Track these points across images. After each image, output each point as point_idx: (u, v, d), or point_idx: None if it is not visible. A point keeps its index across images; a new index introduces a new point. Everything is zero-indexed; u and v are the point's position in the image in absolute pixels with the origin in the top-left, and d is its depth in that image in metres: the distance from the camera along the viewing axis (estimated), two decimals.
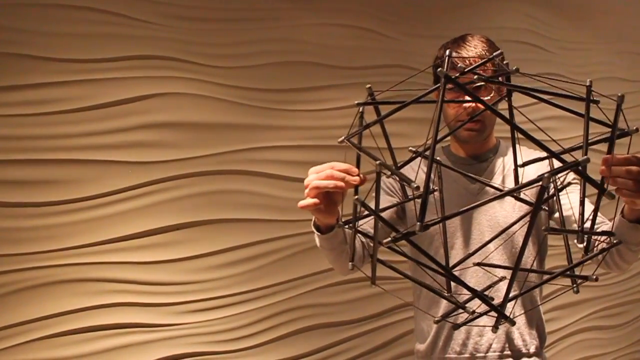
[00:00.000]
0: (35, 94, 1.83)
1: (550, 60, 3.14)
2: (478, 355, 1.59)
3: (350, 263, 0.95)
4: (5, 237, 1.78)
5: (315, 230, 1.36)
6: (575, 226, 1.46)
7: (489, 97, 1.52)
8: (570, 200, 1.48)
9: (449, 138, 1.68)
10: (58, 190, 1.86)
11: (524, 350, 1.60)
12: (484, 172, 1.63)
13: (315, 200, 1.17)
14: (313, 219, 1.35)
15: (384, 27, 2.55)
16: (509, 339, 1.60)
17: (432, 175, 0.76)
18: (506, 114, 0.96)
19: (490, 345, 1.59)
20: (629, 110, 3.52)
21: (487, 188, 1.59)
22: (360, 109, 0.97)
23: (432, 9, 2.70)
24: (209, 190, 2.13)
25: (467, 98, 1.52)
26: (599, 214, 1.49)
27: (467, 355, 1.60)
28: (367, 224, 1.51)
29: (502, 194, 0.75)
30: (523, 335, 1.61)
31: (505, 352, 1.59)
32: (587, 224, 1.43)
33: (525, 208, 1.56)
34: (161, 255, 2.04)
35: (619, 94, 0.86)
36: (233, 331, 2.17)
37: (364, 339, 2.48)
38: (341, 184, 1.13)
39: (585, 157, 0.74)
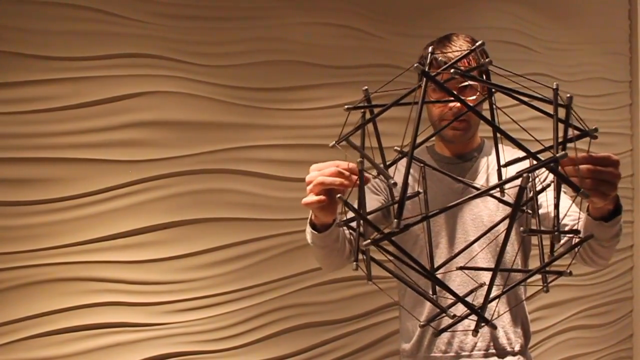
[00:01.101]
0: (22, 91, 1.82)
1: (537, 60, 3.16)
2: (463, 354, 1.60)
3: (354, 263, 0.95)
4: None
5: (310, 228, 1.36)
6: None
7: (474, 97, 1.53)
8: (547, 198, 1.49)
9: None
10: (43, 189, 1.85)
11: (508, 349, 1.61)
12: (469, 171, 1.63)
13: (321, 197, 1.17)
14: (310, 216, 1.34)
15: (373, 27, 2.55)
16: (493, 337, 1.60)
17: (416, 175, 0.76)
18: (489, 113, 0.96)
19: (475, 344, 1.60)
20: (615, 110, 3.55)
21: (471, 188, 1.59)
22: (361, 112, 0.96)
23: (420, 8, 2.71)
24: (196, 189, 2.13)
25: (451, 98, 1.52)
26: (579, 210, 1.49)
27: (452, 354, 1.61)
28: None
29: (478, 193, 0.75)
30: (508, 334, 1.62)
31: (490, 351, 1.60)
32: (566, 220, 1.44)
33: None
34: (148, 254, 2.03)
35: (568, 95, 0.87)
36: (220, 331, 2.17)
37: (350, 338, 2.48)
38: (347, 182, 1.13)
39: (563, 152, 0.74)
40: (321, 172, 1.16)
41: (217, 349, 2.16)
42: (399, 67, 2.56)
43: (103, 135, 1.95)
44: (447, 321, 0.93)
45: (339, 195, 0.88)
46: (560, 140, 0.84)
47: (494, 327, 0.82)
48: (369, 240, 0.75)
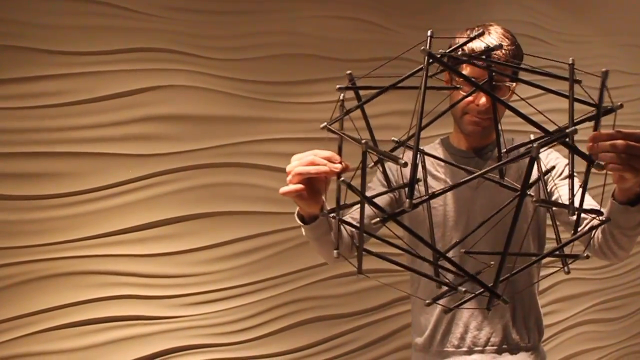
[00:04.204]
0: (36, 86, 1.83)
1: (551, 52, 3.13)
2: (476, 349, 1.59)
3: (335, 251, 0.93)
4: (7, 230, 1.79)
5: (298, 221, 1.35)
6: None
7: (505, 97, 1.51)
8: (561, 192, 1.48)
9: (450, 129, 1.67)
10: (59, 183, 1.86)
11: (521, 344, 1.60)
12: (484, 165, 1.62)
13: (298, 186, 1.16)
14: (297, 209, 1.34)
15: (384, 20, 2.54)
16: (506, 332, 1.60)
17: (418, 163, 0.74)
18: (514, 105, 0.95)
19: (489, 339, 1.59)
20: (631, 102, 3.52)
21: (487, 182, 1.58)
22: (342, 95, 0.95)
23: (432, 1, 2.69)
24: (209, 183, 2.13)
25: (470, 90, 1.51)
26: (593, 200, 1.47)
27: (465, 348, 1.60)
28: (355, 213, 1.49)
29: (479, 174, 0.73)
30: (520, 329, 1.61)
31: (503, 346, 1.59)
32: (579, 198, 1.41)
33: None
34: (163, 247, 2.04)
35: (603, 70, 0.85)
36: (234, 323, 2.18)
37: (364, 331, 2.49)
38: (324, 169, 1.12)
39: (573, 128, 0.73)
40: (300, 161, 1.16)
41: (230, 341, 2.17)
42: (412, 60, 2.55)
43: (116, 130, 1.96)
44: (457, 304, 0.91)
45: (342, 178, 0.86)
46: (583, 117, 0.83)
47: (506, 302, 0.81)
48: (377, 220, 0.74)
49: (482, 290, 0.78)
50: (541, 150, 0.71)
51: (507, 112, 1.64)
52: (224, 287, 2.16)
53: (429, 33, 0.83)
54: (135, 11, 1.99)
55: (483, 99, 1.49)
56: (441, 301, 1.58)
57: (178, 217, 2.08)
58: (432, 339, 1.64)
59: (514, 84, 1.53)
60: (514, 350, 1.60)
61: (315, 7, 2.36)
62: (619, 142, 1.01)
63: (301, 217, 1.35)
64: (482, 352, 1.59)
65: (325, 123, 0.95)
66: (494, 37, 1.51)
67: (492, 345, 1.59)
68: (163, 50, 2.04)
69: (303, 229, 1.36)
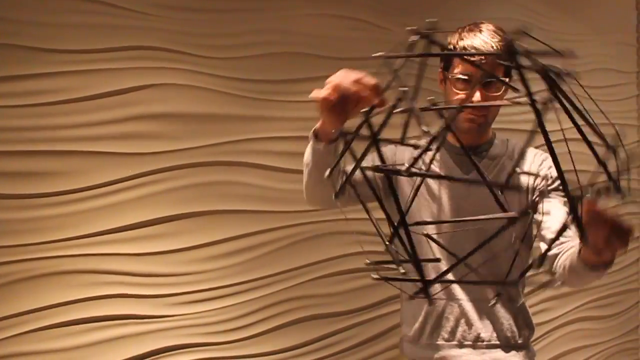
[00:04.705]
0: (29, 84, 1.82)
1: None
2: (466, 343, 1.61)
3: (328, 169, 0.89)
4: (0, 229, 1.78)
5: (311, 136, 1.33)
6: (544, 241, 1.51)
7: (498, 94, 1.52)
8: (545, 211, 1.49)
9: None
10: (52, 182, 1.86)
11: (512, 342, 1.62)
12: (479, 164, 1.62)
13: (329, 93, 1.13)
14: (314, 128, 1.32)
15: (379, 18, 2.55)
16: (497, 329, 1.61)
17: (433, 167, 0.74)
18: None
19: (479, 334, 1.60)
20: (622, 101, 3.54)
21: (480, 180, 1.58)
22: (416, 38, 0.86)
23: (427, 0, 2.70)
24: (203, 182, 2.13)
25: (464, 85, 1.51)
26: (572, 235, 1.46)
27: (455, 342, 1.61)
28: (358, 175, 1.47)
29: (463, 178, 0.74)
30: (511, 327, 1.62)
31: (493, 342, 1.61)
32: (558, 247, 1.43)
33: (516, 207, 1.54)
34: (156, 246, 2.04)
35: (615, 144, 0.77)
36: (228, 322, 2.18)
37: (358, 329, 2.49)
38: (364, 92, 1.09)
39: (589, 195, 0.71)
40: (344, 76, 1.13)
41: (223, 340, 2.17)
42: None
43: (110, 128, 1.95)
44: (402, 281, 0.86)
45: (364, 109, 0.82)
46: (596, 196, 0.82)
47: (430, 303, 0.81)
48: (369, 168, 0.73)
49: (417, 279, 0.76)
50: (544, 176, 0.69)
51: (499, 110, 1.66)
52: (217, 286, 2.16)
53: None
54: (130, 9, 1.98)
55: (477, 96, 1.50)
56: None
57: (172, 216, 2.07)
58: (421, 331, 1.65)
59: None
60: (504, 348, 1.61)
61: (311, 5, 2.37)
62: (610, 226, 1.03)
63: (315, 137, 1.33)
64: (472, 346, 1.61)
65: (383, 53, 0.89)
66: (485, 34, 1.52)
67: (482, 341, 1.60)
68: (158, 48, 2.04)
69: (310, 148, 1.34)
